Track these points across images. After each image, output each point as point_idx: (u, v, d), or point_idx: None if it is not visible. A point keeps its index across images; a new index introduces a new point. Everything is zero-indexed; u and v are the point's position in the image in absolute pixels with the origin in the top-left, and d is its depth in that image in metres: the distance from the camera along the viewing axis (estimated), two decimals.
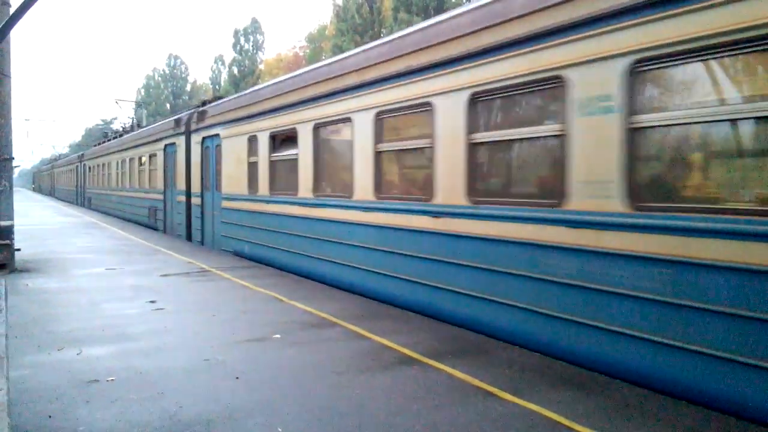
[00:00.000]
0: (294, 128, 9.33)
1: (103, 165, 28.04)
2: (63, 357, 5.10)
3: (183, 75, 78.97)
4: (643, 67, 4.33)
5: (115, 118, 74.44)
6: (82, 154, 36.47)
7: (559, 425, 3.70)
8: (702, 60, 4.02)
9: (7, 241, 9.82)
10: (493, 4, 5.60)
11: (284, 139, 9.92)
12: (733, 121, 3.93)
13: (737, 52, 3.85)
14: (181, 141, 15.23)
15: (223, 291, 8.25)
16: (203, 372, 4.72)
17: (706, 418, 3.81)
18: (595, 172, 4.65)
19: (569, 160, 4.86)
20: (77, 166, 38.01)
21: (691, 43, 3.99)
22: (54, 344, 5.48)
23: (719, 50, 3.89)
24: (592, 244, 4.69)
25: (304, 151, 9.05)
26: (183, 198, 15.09)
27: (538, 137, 5.35)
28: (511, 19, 5.33)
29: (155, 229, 18.02)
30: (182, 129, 15.09)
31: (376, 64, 7.32)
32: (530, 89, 5.31)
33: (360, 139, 7.63)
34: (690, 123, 4.14)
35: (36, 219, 22.88)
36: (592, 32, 4.63)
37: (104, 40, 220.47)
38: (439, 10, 34.38)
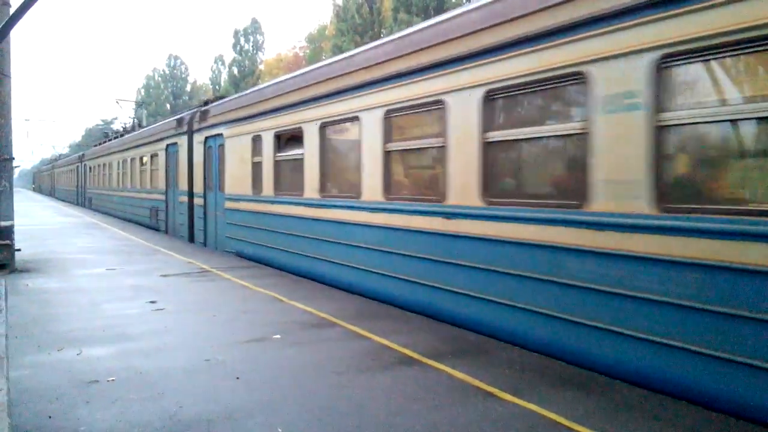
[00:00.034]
0: (300, 127, 9.18)
1: (104, 165, 27.93)
2: (63, 357, 5.10)
3: (183, 75, 79.00)
4: (672, 62, 4.15)
5: (116, 119, 74.42)
6: (83, 154, 36.38)
7: (560, 425, 3.71)
8: (735, 54, 3.88)
9: (8, 242, 9.82)
10: None
11: (289, 138, 9.77)
12: (766, 119, 3.76)
13: None
14: (183, 141, 15.09)
15: (223, 291, 8.25)
16: (203, 372, 4.73)
17: (706, 418, 3.81)
18: (620, 172, 4.48)
19: (592, 159, 4.68)
20: (78, 167, 37.96)
21: (724, 37, 3.82)
22: (54, 344, 5.48)
23: (754, 44, 3.72)
24: (616, 247, 4.49)
25: (310, 151, 8.89)
26: (185, 198, 14.93)
27: (557, 136, 5.19)
28: (529, 14, 5.14)
29: (157, 229, 17.89)
30: (184, 129, 14.96)
31: (385, 61, 7.14)
32: (549, 86, 5.13)
33: (368, 139, 7.47)
34: (721, 120, 3.96)
35: (36, 219, 22.88)
36: (616, 26, 4.46)
37: (104, 40, 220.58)
38: (439, 10, 34.38)
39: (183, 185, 15.08)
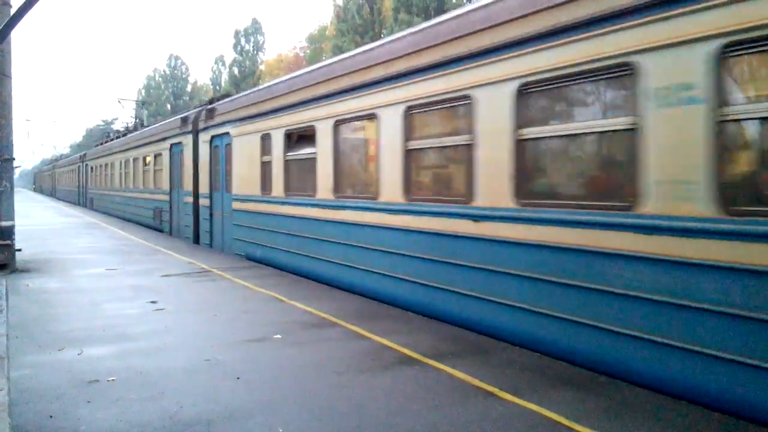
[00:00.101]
0: (312, 125, 8.83)
1: (106, 165, 27.75)
2: (63, 357, 5.11)
3: (183, 75, 79.04)
4: (735, 51, 3.82)
5: (116, 119, 74.51)
6: (84, 154, 36.25)
7: (560, 425, 3.70)
8: None
9: (8, 242, 9.83)
10: None
11: (301, 137, 9.44)
12: None
13: None
14: (188, 140, 14.80)
15: (223, 291, 8.25)
16: (204, 372, 4.73)
17: (706, 418, 3.81)
18: (676, 171, 4.11)
19: (642, 157, 4.31)
20: (79, 167, 37.86)
21: None
22: (55, 344, 5.48)
23: None
24: (671, 253, 4.13)
25: (323, 150, 8.54)
26: (190, 199, 14.63)
27: (602, 132, 4.80)
28: (569, 1, 4.82)
29: (160, 231, 17.63)
30: (189, 128, 14.66)
31: (406, 54, 6.77)
32: (591, 78, 4.77)
33: (387, 137, 7.12)
34: None
35: (37, 219, 22.89)
36: (670, 13, 4.11)
37: (104, 40, 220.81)
38: (440, 10, 34.41)
39: (188, 185, 14.78)
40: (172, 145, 16.38)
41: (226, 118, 12.36)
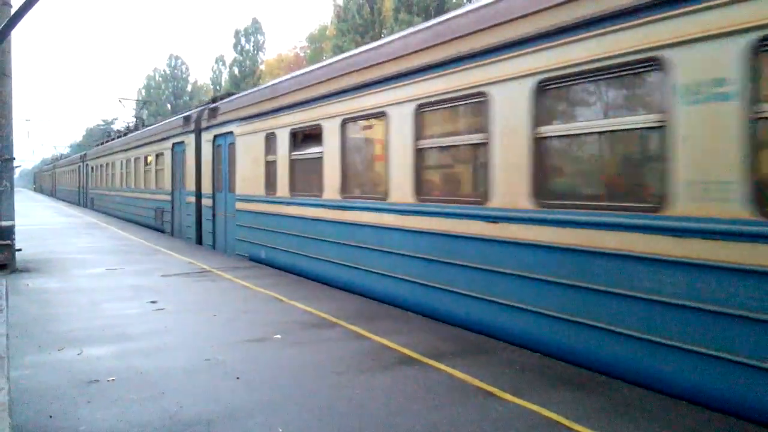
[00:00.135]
0: (318, 124, 8.66)
1: (107, 165, 27.62)
2: (63, 357, 5.11)
3: (184, 75, 79.04)
4: None
5: (116, 119, 74.57)
6: (85, 154, 36.16)
7: (560, 425, 3.70)
8: None
9: (8, 242, 9.83)
10: None
11: (307, 136, 9.26)
12: None
13: None
14: (190, 139, 14.62)
15: (223, 291, 8.25)
16: (203, 372, 4.73)
17: (706, 418, 3.81)
18: (708, 171, 3.93)
19: (672, 156, 4.12)
20: (79, 166, 37.80)
21: None
22: (54, 344, 5.48)
23: None
24: (704, 257, 3.94)
25: (330, 149, 8.36)
26: (192, 199, 14.45)
27: (627, 130, 4.59)
28: None
29: (162, 231, 17.47)
30: (192, 127, 14.48)
31: (417, 51, 6.59)
32: (617, 74, 4.58)
33: (396, 135, 6.94)
34: None
35: (37, 219, 22.90)
36: (701, 5, 3.95)
37: (104, 40, 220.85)
38: (440, 10, 34.43)
39: (190, 185, 14.61)
40: (174, 144, 16.24)
41: (230, 117, 12.19)
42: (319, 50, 55.79)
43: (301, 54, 62.34)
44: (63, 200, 44.86)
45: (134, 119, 35.06)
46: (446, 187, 6.75)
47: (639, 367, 4.39)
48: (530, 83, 5.20)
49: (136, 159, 21.28)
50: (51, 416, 3.81)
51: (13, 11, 8.94)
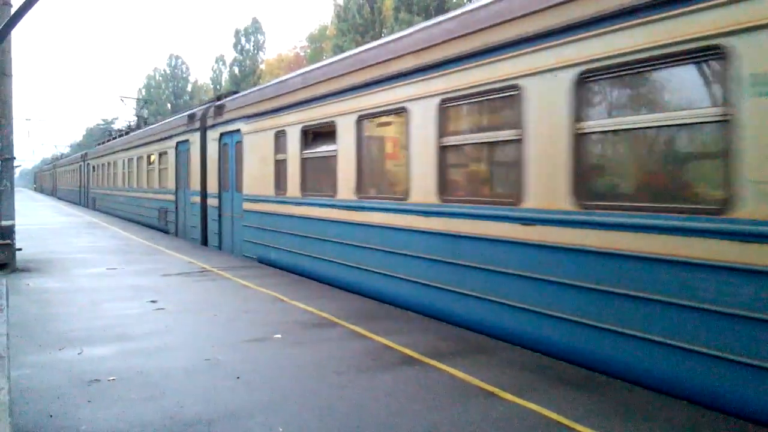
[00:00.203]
0: (332, 121, 8.34)
1: (109, 164, 27.40)
2: (64, 357, 5.11)
3: (184, 75, 79.13)
4: None
5: (116, 118, 74.67)
6: (86, 153, 35.97)
7: (560, 425, 3.70)
8: None
9: (9, 241, 9.84)
10: None
11: (319, 133, 8.93)
12: None
13: None
14: (195, 138, 14.33)
15: (224, 291, 8.25)
16: (204, 372, 4.73)
17: (706, 418, 3.81)
18: None
19: (735, 153, 3.77)
20: (80, 166, 37.68)
21: None
22: (55, 344, 5.48)
23: None
24: None
25: (344, 147, 8.03)
26: (197, 199, 14.13)
27: (683, 124, 4.22)
28: None
29: (166, 232, 17.23)
30: (197, 125, 14.19)
31: (440, 43, 6.26)
32: (669, 64, 4.22)
33: (418, 132, 6.62)
34: None
35: (37, 219, 22.92)
36: None
37: (104, 40, 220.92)
38: (440, 9, 34.42)
39: (195, 185, 14.31)
40: (178, 143, 15.99)
41: (237, 114, 11.90)
42: (319, 50, 55.82)
43: (301, 54, 62.36)
44: (64, 200, 44.85)
45: (135, 118, 34.95)
46: (473, 187, 6.37)
47: (704, 387, 3.97)
48: (570, 75, 4.85)
49: (139, 158, 21.08)
50: (51, 416, 3.81)
51: (13, 11, 8.94)
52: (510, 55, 5.43)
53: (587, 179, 4.87)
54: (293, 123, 9.53)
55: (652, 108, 4.48)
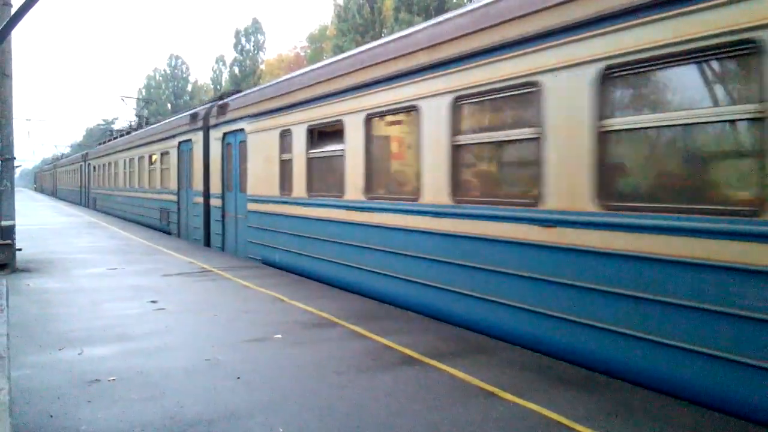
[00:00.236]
0: (340, 120, 8.18)
1: (110, 164, 27.25)
2: (64, 357, 5.11)
3: (184, 75, 79.08)
4: None
5: (117, 118, 74.72)
6: (87, 153, 35.87)
7: (560, 425, 3.70)
8: None
9: (9, 241, 9.84)
10: None
11: (326, 132, 8.76)
12: None
13: None
14: (198, 137, 14.15)
15: (224, 291, 8.25)
16: (204, 372, 4.73)
17: (706, 418, 3.80)
18: None
19: None
20: (81, 166, 37.59)
21: None
22: (55, 344, 5.48)
23: None
24: None
25: (352, 147, 7.88)
26: (200, 199, 13.96)
27: (715, 122, 4.02)
28: None
29: (168, 232, 17.08)
30: (199, 124, 14.02)
31: (454, 38, 6.08)
32: (699, 59, 4.03)
33: (430, 131, 6.45)
34: None
35: (38, 219, 22.91)
36: None
37: (104, 40, 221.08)
38: (440, 10, 34.42)
39: (198, 185, 14.13)
40: (180, 142, 15.83)
41: (241, 113, 11.73)
42: (319, 50, 55.80)
43: (302, 54, 62.36)
44: (64, 200, 44.84)
45: (136, 118, 34.89)
46: (488, 188, 6.14)
47: (750, 400, 3.75)
48: (593, 70, 4.66)
49: (141, 158, 20.94)
50: (51, 416, 3.81)
51: (13, 11, 8.95)
52: (527, 51, 5.27)
53: (611, 180, 4.69)
54: (299, 122, 9.39)
55: (680, 105, 4.27)
